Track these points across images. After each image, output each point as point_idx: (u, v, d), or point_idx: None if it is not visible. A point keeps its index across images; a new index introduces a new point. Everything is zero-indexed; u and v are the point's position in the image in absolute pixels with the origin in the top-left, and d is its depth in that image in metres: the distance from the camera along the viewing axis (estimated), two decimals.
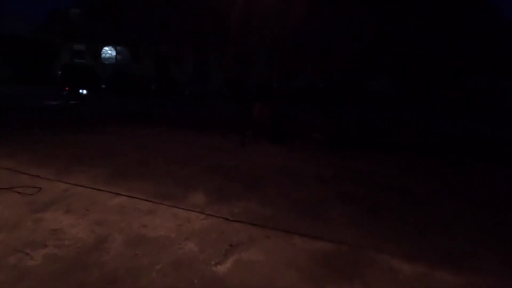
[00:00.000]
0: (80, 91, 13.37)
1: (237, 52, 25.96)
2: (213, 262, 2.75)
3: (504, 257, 3.02)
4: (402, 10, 22.38)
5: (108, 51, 29.63)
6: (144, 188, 4.34)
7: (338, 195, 4.41)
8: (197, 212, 3.69)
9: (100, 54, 29.40)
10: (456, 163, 6.48)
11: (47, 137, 7.22)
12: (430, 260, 2.94)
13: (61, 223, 3.28)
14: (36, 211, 3.52)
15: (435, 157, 6.89)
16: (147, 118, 10.83)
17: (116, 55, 29.34)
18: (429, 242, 3.28)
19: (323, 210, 3.92)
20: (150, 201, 3.92)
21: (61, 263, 2.64)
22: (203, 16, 26.87)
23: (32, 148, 6.18)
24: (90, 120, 10.01)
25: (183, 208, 3.77)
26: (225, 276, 2.60)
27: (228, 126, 8.07)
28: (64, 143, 6.73)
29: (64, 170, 4.91)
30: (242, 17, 25.84)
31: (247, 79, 25.05)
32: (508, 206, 4.30)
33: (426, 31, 21.24)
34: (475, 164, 6.44)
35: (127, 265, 2.67)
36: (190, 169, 5.35)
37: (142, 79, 23.21)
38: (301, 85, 21.68)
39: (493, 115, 16.22)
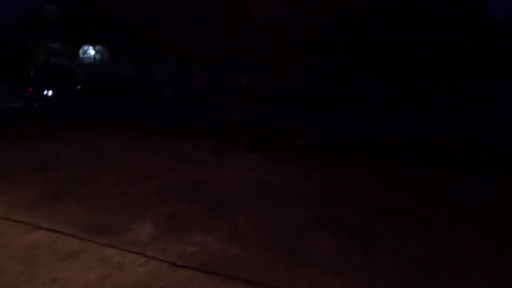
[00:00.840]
0: (45, 92, 12.21)
1: (222, 51, 25.06)
2: None
3: None
4: (390, 10, 21.89)
5: (88, 50, 28.31)
6: (77, 217, 3.40)
7: (323, 222, 3.57)
8: (136, 253, 2.79)
9: (78, 53, 28.03)
10: (455, 174, 5.74)
11: None
12: None
13: None
14: None
15: (431, 167, 6.14)
16: (114, 122, 9.83)
17: (94, 55, 28.02)
18: None
19: (304, 245, 3.07)
20: (77, 237, 3.00)
21: None
22: (186, 13, 25.89)
23: None
24: (47, 125, 8.95)
25: (118, 247, 2.86)
26: None
27: (203, 131, 7.18)
28: None
29: None
30: (226, 13, 24.98)
31: (232, 79, 24.17)
32: None
33: (414, 31, 20.78)
34: (476, 175, 5.71)
35: None
36: (146, 187, 4.43)
37: (121, 80, 22.04)
38: (288, 86, 20.91)
39: (485, 118, 15.74)
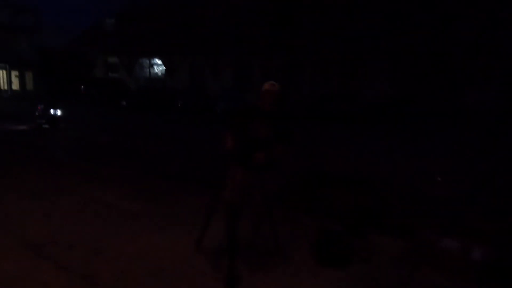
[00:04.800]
0: (52, 111, 9.64)
1: (286, 58, 21.31)
2: None
3: None
4: None
5: (143, 64, 26.85)
6: None
7: None
8: None
9: (134, 67, 26.64)
10: None
11: None
12: None
13: None
14: None
15: None
16: (110, 159, 6.52)
17: (149, 68, 26.38)
18: None
19: None
20: None
21: None
22: (244, 22, 22.82)
23: None
24: (9, 161, 5.92)
25: None
26: None
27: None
28: None
29: None
30: (291, 18, 21.33)
31: (295, 91, 20.26)
32: None
33: None
34: None
35: None
36: None
37: (172, 94, 19.49)
38: (370, 101, 16.21)
39: None
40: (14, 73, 26.77)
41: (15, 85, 26.97)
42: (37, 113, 9.89)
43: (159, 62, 26.28)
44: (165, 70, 25.56)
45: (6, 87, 26.49)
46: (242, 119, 2.80)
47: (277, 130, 2.78)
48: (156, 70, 26.41)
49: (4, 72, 26.30)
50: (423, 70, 16.69)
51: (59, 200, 4.10)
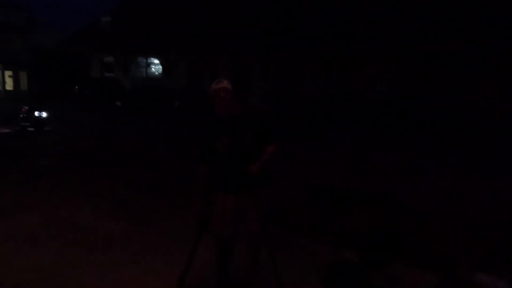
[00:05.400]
0: (37, 113, 9.05)
1: (285, 59, 20.78)
2: None
3: None
4: None
5: (140, 63, 26.22)
6: None
7: None
8: None
9: (130, 67, 25.97)
10: None
11: None
12: None
13: None
14: None
15: None
16: (96, 166, 5.92)
17: (146, 68, 25.75)
18: None
19: None
20: None
21: None
22: (243, 21, 22.22)
23: None
24: None
25: None
26: None
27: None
28: None
29: None
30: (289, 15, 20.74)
31: (295, 92, 19.65)
32: None
33: None
34: None
35: None
36: None
37: (166, 95, 18.87)
38: (368, 101, 15.61)
39: None
40: (7, 73, 26.12)
41: (9, 86, 26.31)
42: (21, 115, 9.28)
43: (155, 61, 25.68)
44: (162, 69, 24.95)
45: None
46: (209, 140, 2.28)
47: (258, 130, 2.23)
48: (152, 70, 25.80)
49: None
50: (425, 71, 16.12)
51: (15, 222, 3.49)
